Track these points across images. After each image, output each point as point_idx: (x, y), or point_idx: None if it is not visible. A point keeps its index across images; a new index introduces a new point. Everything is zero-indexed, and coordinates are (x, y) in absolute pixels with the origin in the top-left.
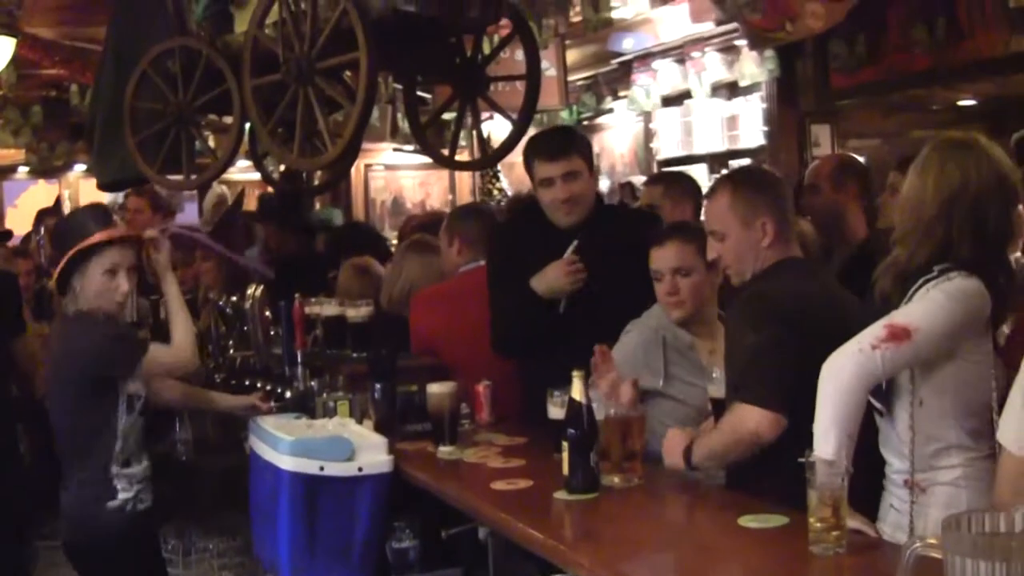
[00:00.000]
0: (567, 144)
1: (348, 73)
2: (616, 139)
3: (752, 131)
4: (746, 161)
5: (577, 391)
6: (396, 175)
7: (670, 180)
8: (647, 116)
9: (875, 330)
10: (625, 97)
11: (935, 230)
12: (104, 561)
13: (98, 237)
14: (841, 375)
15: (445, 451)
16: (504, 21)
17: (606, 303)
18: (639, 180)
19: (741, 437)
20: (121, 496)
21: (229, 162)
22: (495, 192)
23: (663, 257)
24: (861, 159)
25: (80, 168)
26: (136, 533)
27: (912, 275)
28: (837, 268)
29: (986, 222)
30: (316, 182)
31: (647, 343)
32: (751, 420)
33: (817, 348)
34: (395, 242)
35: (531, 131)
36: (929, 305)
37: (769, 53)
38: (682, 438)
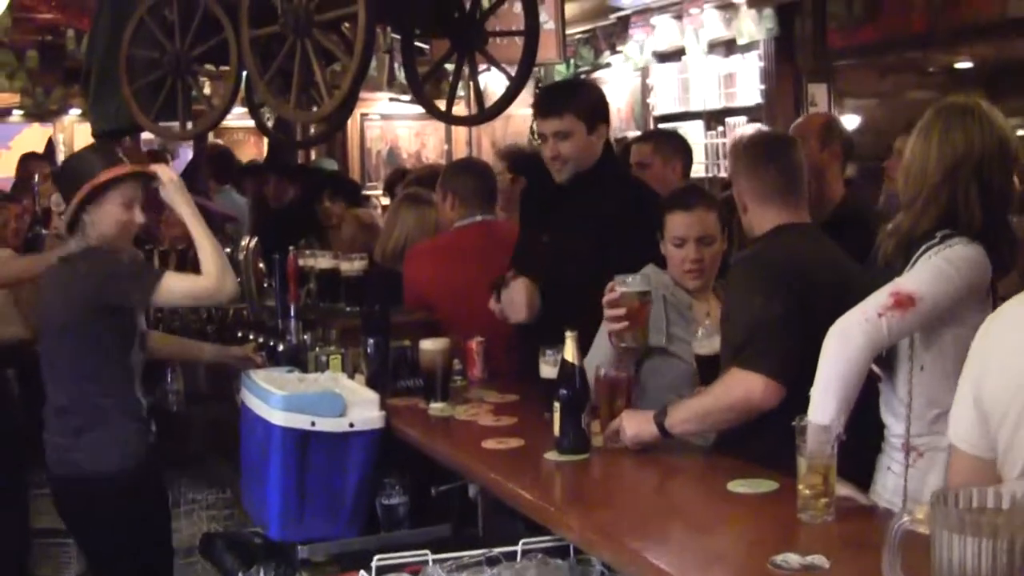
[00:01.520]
0: (562, 101)
1: (347, 24)
2: (613, 94)
3: (749, 89)
4: (742, 119)
5: (569, 352)
6: (392, 125)
7: (660, 138)
8: (644, 72)
9: (880, 298)
10: (621, 52)
11: (940, 195)
12: (119, 497)
13: (117, 171)
14: (847, 342)
15: (436, 408)
16: None
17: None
18: (634, 135)
19: (734, 403)
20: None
21: (226, 111)
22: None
23: (689, 224)
24: (858, 118)
25: (75, 112)
26: (154, 466)
27: (916, 240)
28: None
29: (990, 187)
30: (311, 132)
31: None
32: (751, 386)
33: (818, 314)
34: (381, 195)
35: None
36: (932, 272)
37: (767, 11)
38: (642, 413)
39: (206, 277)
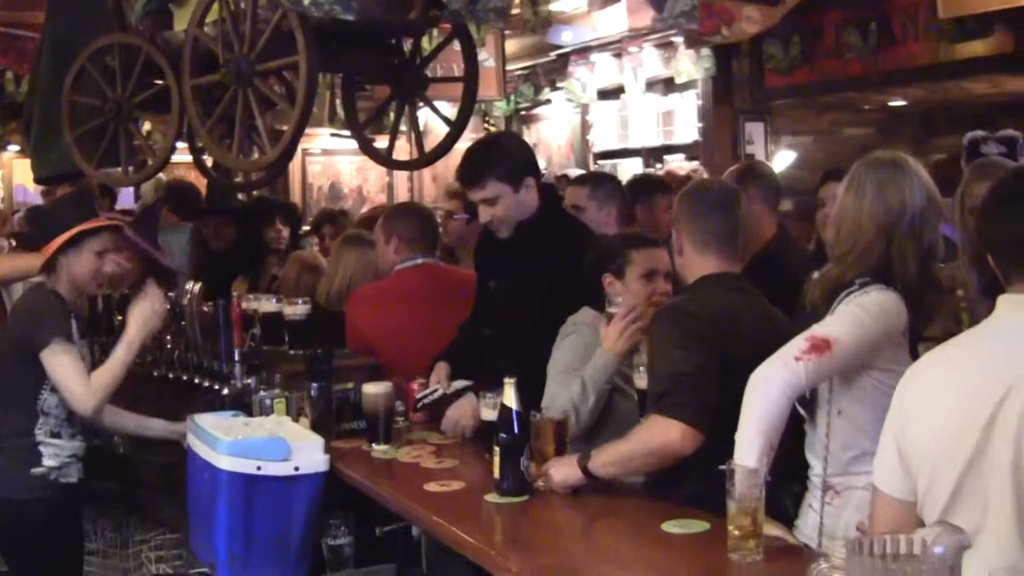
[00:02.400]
0: (480, 169)
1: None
2: (553, 130)
3: (687, 127)
4: (680, 156)
5: (508, 397)
6: (334, 160)
7: (596, 182)
8: (584, 108)
9: (798, 343)
10: (563, 88)
11: (873, 250)
12: (22, 528)
13: (99, 222)
14: (767, 386)
15: (380, 450)
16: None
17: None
18: (574, 173)
19: (653, 449)
20: (46, 463)
21: (167, 159)
22: None
23: (659, 258)
24: (795, 154)
25: (14, 148)
26: (57, 503)
27: (841, 287)
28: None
29: (921, 241)
30: (253, 177)
31: (594, 344)
32: (670, 433)
33: (738, 363)
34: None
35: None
36: (848, 318)
37: (705, 52)
38: (568, 458)
39: (85, 389)
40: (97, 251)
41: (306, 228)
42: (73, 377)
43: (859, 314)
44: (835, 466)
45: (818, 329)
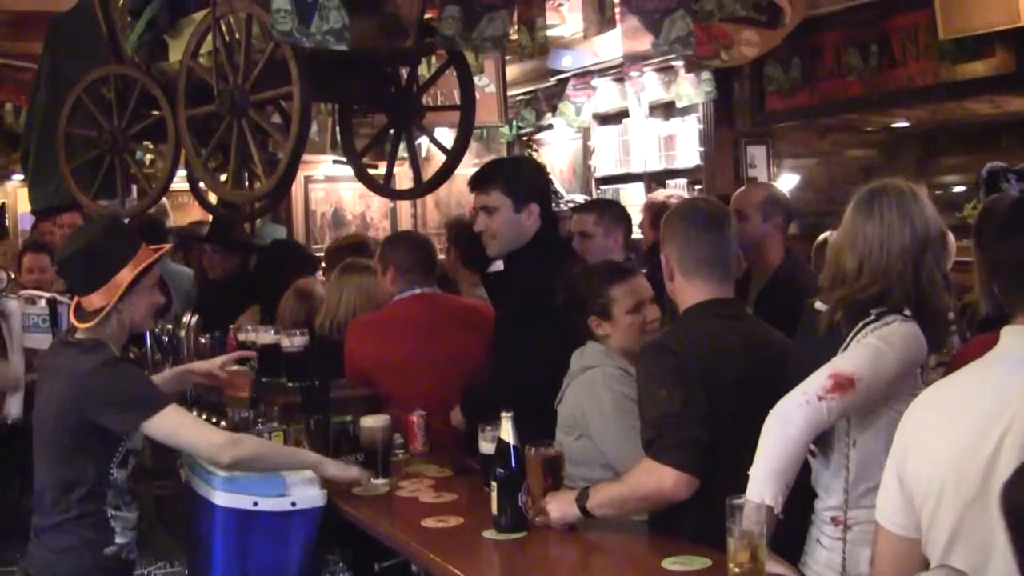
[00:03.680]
0: (491, 177)
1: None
2: (555, 155)
3: (689, 151)
4: (683, 180)
5: (505, 432)
6: (336, 187)
7: (602, 208)
8: (585, 133)
9: (820, 380)
10: (564, 114)
11: (904, 278)
12: None
13: (154, 255)
14: (788, 426)
15: (378, 484)
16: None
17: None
18: (579, 199)
19: (647, 494)
20: (118, 541)
21: (165, 189)
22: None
23: (640, 287)
24: (797, 177)
25: (17, 178)
26: None
27: (865, 304)
28: (756, 290)
29: (931, 268)
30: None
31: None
32: (662, 478)
33: (725, 397)
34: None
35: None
36: (869, 351)
37: (706, 75)
38: (566, 494)
39: (223, 438)
40: (152, 284)
41: (319, 252)
42: (201, 432)
43: (880, 346)
44: (848, 500)
45: (840, 365)
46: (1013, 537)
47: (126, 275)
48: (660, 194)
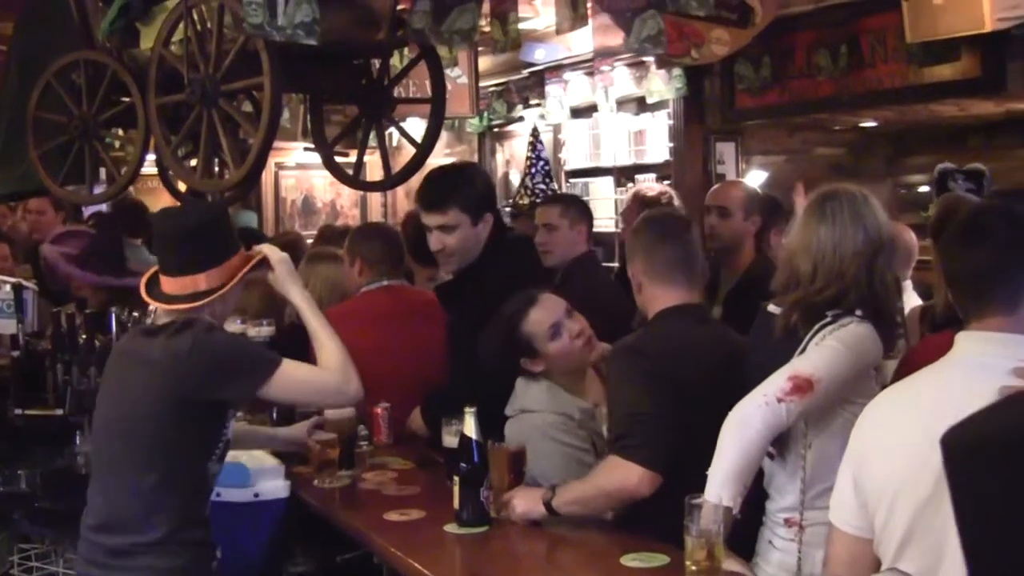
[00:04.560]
0: (446, 195)
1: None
2: (526, 148)
3: (658, 146)
4: (651, 175)
5: (468, 427)
6: (307, 174)
7: (567, 202)
8: (556, 127)
9: (779, 382)
10: (537, 105)
11: (859, 281)
12: None
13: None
14: (746, 428)
15: (342, 475)
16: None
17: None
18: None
19: (612, 492)
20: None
21: (134, 176)
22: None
23: (549, 310)
24: (765, 174)
25: None
26: None
27: (820, 307)
28: (725, 289)
29: (884, 271)
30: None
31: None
32: (628, 475)
33: (694, 398)
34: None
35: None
36: (828, 354)
37: (677, 72)
38: (532, 491)
39: (329, 372)
40: (247, 282)
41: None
42: (316, 374)
43: (838, 347)
44: (804, 501)
45: (799, 366)
46: (948, 470)
47: (237, 262)
48: (650, 188)
